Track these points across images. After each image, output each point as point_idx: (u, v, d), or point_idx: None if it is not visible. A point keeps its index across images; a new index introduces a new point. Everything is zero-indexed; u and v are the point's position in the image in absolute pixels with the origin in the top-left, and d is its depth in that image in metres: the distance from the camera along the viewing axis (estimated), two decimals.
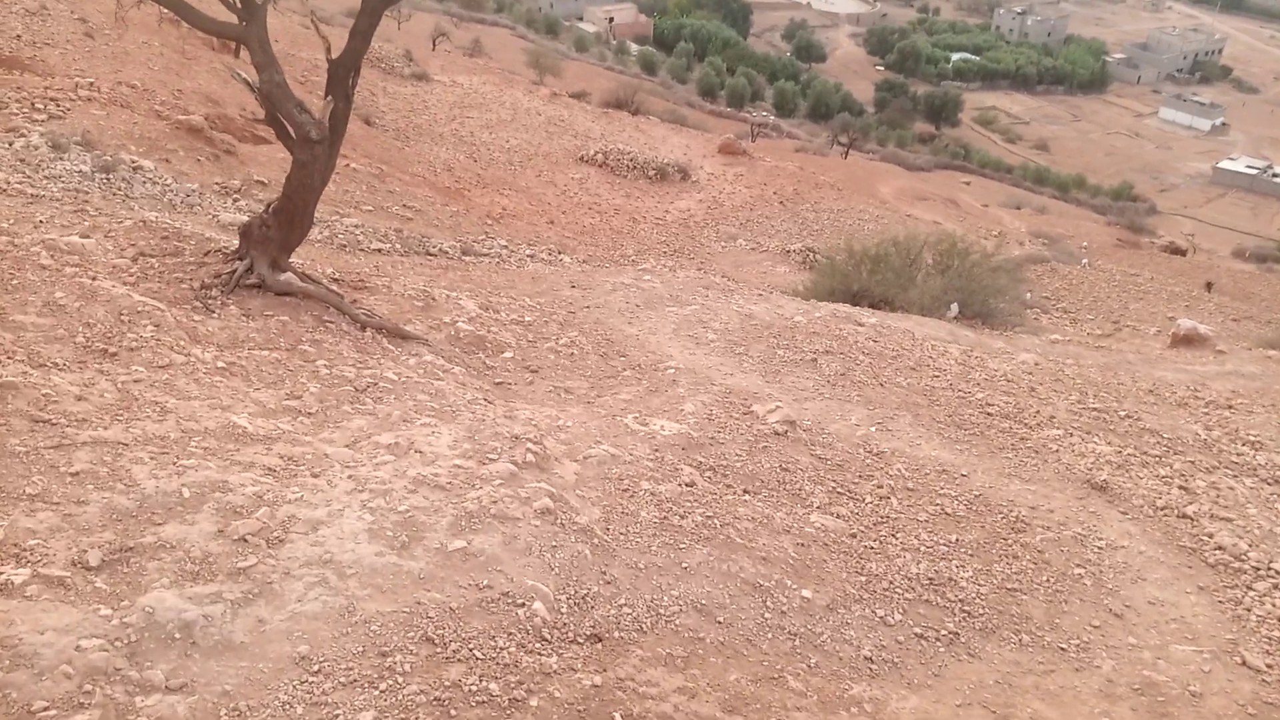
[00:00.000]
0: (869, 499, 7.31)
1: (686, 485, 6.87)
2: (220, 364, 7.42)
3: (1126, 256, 35.36)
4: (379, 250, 14.01)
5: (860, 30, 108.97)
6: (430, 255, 14.72)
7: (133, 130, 15.82)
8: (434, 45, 46.84)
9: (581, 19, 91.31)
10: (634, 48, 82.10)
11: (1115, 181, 77.44)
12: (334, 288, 8.94)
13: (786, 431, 7.92)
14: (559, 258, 17.49)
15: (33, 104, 15.81)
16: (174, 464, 5.98)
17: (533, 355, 9.14)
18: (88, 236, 8.93)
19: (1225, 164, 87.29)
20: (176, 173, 14.76)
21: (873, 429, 8.26)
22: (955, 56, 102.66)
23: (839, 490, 7.36)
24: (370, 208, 17.35)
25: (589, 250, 21.10)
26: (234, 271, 8.46)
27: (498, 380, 8.64)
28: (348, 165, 19.42)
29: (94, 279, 8.01)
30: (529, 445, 6.75)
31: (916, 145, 74.59)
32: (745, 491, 7.08)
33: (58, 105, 16.07)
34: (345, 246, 13.41)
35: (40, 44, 20.87)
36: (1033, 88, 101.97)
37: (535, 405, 8.09)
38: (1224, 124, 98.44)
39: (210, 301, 8.22)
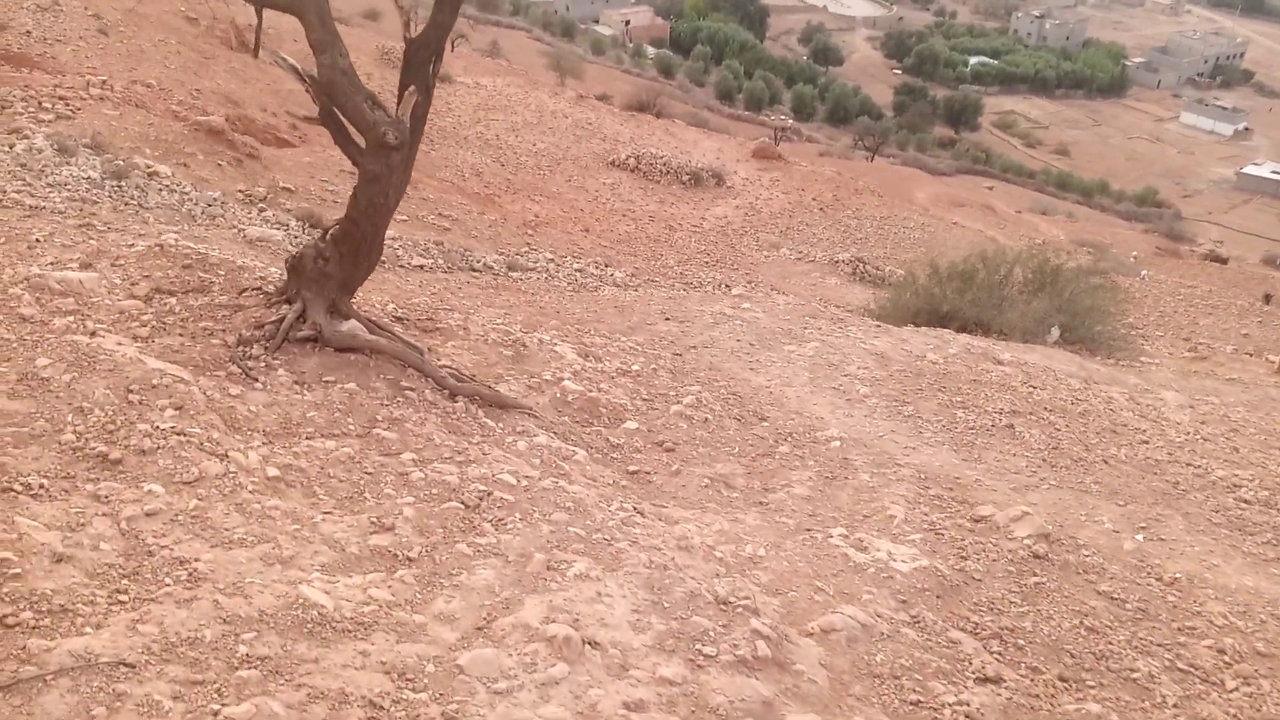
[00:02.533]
0: (1230, 684, 5.31)
1: (991, 682, 4.88)
2: (271, 470, 5.28)
3: (1176, 266, 33.96)
4: (420, 267, 12.67)
5: (877, 34, 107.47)
6: (475, 271, 13.39)
7: (148, 132, 14.49)
8: (452, 47, 45.62)
9: (598, 21, 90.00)
10: (650, 50, 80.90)
11: (1138, 187, 76.06)
12: (408, 337, 6.90)
13: (1047, 553, 5.93)
14: (607, 272, 16.16)
15: (40, 103, 14.47)
16: (214, 711, 3.65)
17: (659, 424, 7.21)
18: (89, 266, 6.97)
19: (1250, 169, 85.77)
20: (195, 179, 13.41)
21: (1139, 538, 6.38)
22: (973, 60, 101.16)
23: (1175, 664, 5.38)
24: (404, 217, 16.00)
25: (633, 262, 19.76)
26: (281, 320, 6.39)
27: (632, 468, 6.62)
28: None
29: (93, 334, 6.00)
30: (754, 624, 4.63)
31: (937, 149, 73.36)
32: (1063, 681, 5.08)
33: (67, 104, 14.75)
34: (384, 263, 12.03)
35: (51, 40, 19.67)
36: (1052, 92, 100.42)
37: (696, 511, 6.10)
38: (1247, 129, 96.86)
39: (251, 364, 6.15)
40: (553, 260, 15.75)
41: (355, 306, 6.77)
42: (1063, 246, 33.61)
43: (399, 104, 5.80)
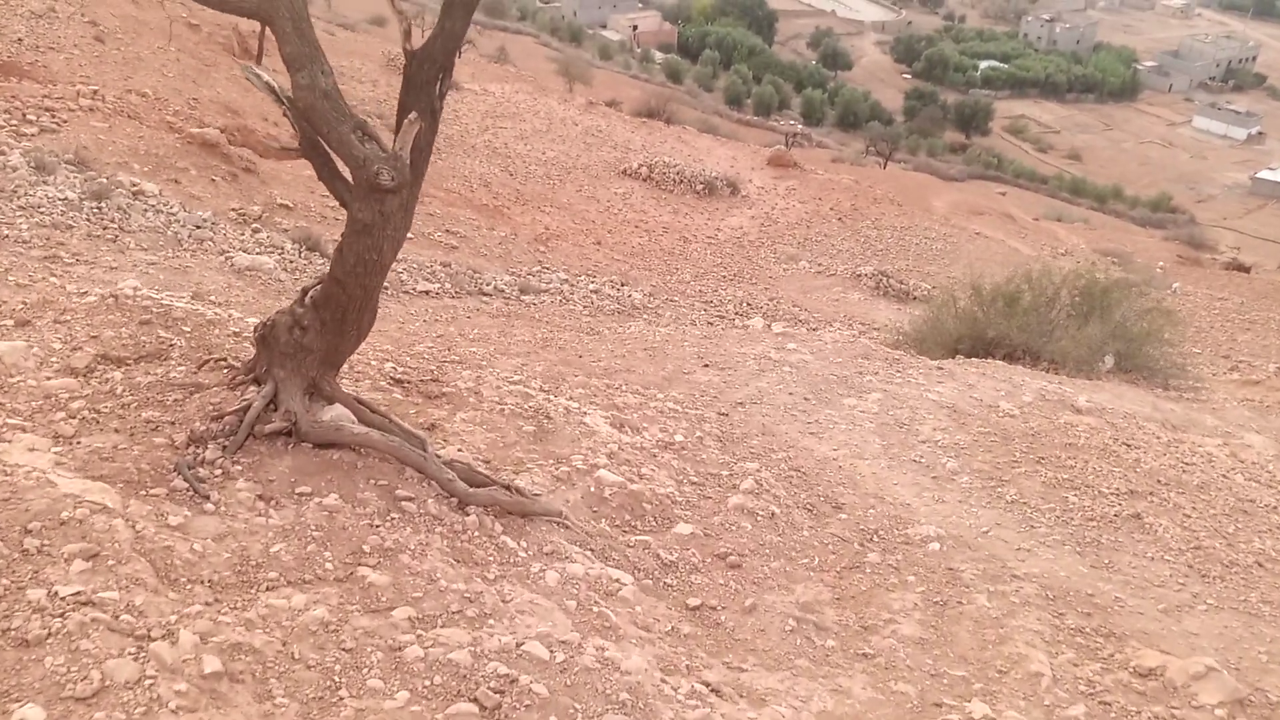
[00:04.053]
0: None
1: None
2: (210, 660, 3.57)
3: (1202, 276, 32.94)
4: (426, 293, 11.80)
5: (886, 38, 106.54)
6: (485, 295, 12.53)
7: (138, 145, 13.65)
8: (459, 53, 44.87)
9: (605, 27, 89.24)
10: (658, 56, 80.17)
11: (1151, 192, 75.22)
12: (408, 416, 5.59)
13: None
14: (624, 292, 15.29)
15: (24, 115, 13.66)
16: None
17: (716, 523, 5.78)
18: (27, 324, 5.59)
19: (1264, 174, 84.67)
20: (186, 196, 12.55)
21: None
22: (983, 64, 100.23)
23: None
24: (410, 235, 15.13)
25: (648, 279, 18.87)
26: (246, 410, 4.89)
27: (693, 601, 5.12)
28: None
29: None
30: None
31: (948, 155, 72.56)
32: None
33: (53, 116, 13.94)
34: (387, 289, 11.17)
35: (44, 48, 18.92)
36: (1062, 96, 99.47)
37: (785, 674, 4.65)
38: (1260, 133, 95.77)
39: (203, 473, 4.63)
40: (566, 280, 14.89)
41: (342, 377, 5.46)
42: (1090, 258, 32.63)
43: (397, 132, 4.61)
